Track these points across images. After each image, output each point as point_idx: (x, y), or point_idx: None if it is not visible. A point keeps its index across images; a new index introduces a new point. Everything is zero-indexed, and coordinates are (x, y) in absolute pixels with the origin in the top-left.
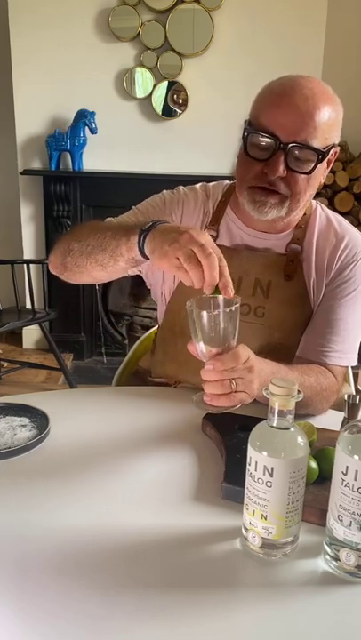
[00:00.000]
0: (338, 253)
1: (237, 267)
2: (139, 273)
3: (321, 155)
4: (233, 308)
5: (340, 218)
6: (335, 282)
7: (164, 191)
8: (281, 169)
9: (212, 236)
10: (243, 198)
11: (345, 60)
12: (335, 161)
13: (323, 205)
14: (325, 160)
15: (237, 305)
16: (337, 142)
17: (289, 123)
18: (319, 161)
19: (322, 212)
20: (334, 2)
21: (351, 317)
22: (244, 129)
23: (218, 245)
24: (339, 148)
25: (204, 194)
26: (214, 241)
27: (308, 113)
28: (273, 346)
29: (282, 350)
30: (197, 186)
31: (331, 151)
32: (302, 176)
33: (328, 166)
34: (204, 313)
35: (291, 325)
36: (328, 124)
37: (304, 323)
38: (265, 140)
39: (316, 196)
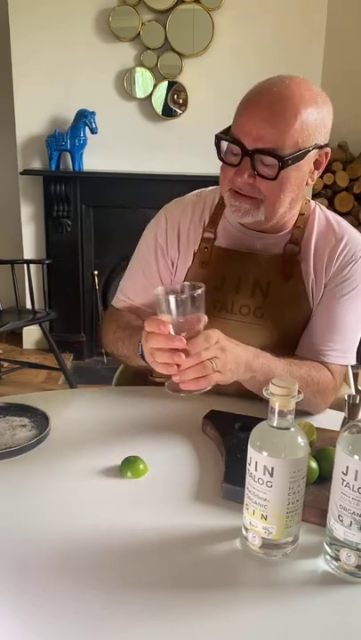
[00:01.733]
0: (337, 253)
1: (236, 268)
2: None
3: (283, 162)
4: (199, 292)
5: (339, 218)
6: (334, 281)
7: (151, 225)
8: (246, 175)
9: (210, 238)
10: (226, 202)
11: (345, 60)
12: (335, 161)
13: (322, 206)
14: (299, 164)
15: (202, 290)
16: (323, 143)
17: (253, 129)
18: (282, 167)
19: (321, 212)
20: (334, 2)
21: (350, 316)
22: (216, 135)
23: (216, 247)
24: (329, 151)
25: (196, 202)
26: (212, 242)
27: (273, 119)
28: (273, 346)
29: (282, 351)
30: (190, 195)
31: (309, 154)
32: (270, 181)
33: (317, 168)
34: (172, 297)
35: (290, 326)
36: (298, 129)
37: (303, 323)
38: (232, 147)
39: (317, 196)
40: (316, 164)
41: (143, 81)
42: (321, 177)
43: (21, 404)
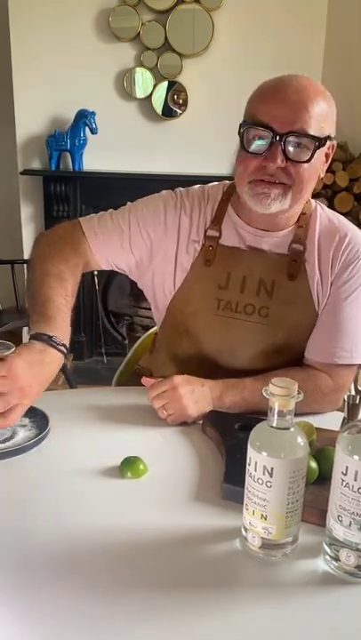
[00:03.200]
0: (340, 252)
1: (241, 266)
2: (124, 272)
3: (318, 141)
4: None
5: (341, 217)
6: (338, 281)
7: (165, 195)
8: (280, 159)
9: (215, 236)
10: (244, 194)
11: (345, 61)
12: (335, 161)
13: (322, 205)
14: (323, 149)
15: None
16: (333, 136)
17: (283, 113)
18: (317, 148)
19: (322, 211)
20: (334, 2)
21: (357, 317)
22: (240, 125)
23: (221, 245)
24: (335, 143)
25: (201, 196)
26: (217, 241)
27: (301, 103)
28: (278, 345)
29: (287, 350)
30: (195, 188)
31: (327, 143)
32: (302, 165)
33: (326, 160)
34: None
35: (295, 325)
36: (322, 114)
37: (308, 322)
38: (261, 134)
39: (317, 196)
40: (326, 156)
41: (143, 81)
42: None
43: None
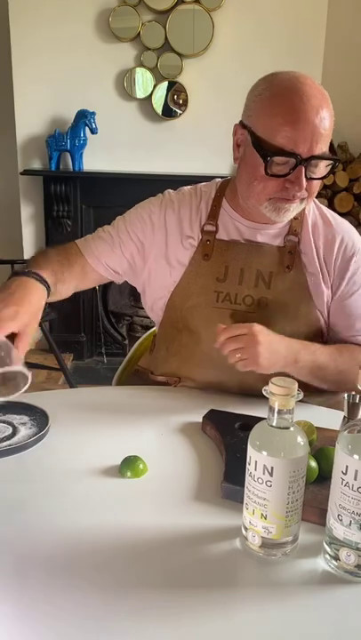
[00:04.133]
0: (335, 250)
1: (238, 259)
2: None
3: (336, 159)
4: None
5: (332, 212)
6: (341, 282)
7: (151, 198)
8: (304, 183)
9: (211, 231)
10: (263, 208)
11: (345, 61)
12: None
13: (315, 199)
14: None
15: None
16: None
17: (307, 139)
18: (336, 166)
19: (315, 205)
20: (334, 2)
21: None
22: (262, 152)
23: (218, 239)
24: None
25: (192, 193)
26: (214, 235)
27: (320, 125)
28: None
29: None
30: (186, 188)
31: None
32: (318, 180)
33: None
34: None
35: (294, 314)
36: (332, 126)
37: (306, 312)
38: (286, 160)
39: (317, 196)
40: None
41: (143, 81)
42: None
43: (21, 403)
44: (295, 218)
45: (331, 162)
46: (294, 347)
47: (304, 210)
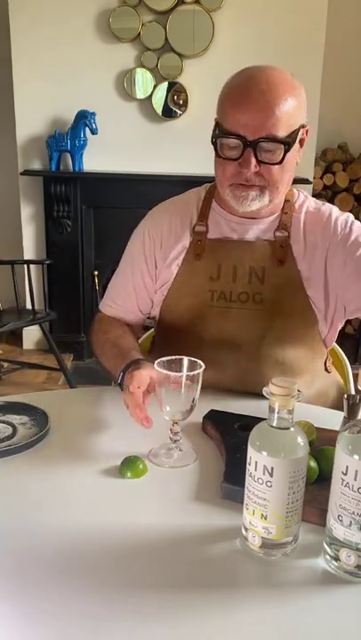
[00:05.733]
0: (331, 229)
1: (231, 257)
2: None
3: (287, 144)
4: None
5: (317, 200)
6: (348, 246)
7: (138, 227)
8: (253, 165)
9: (202, 231)
10: (226, 195)
11: (345, 61)
12: (335, 162)
13: (306, 193)
14: (296, 144)
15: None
16: (305, 122)
17: (251, 121)
18: (288, 149)
19: (305, 198)
20: (334, 2)
21: None
22: (213, 134)
23: (209, 239)
24: (308, 125)
25: (182, 200)
26: (205, 235)
27: (268, 107)
28: (277, 330)
29: (285, 333)
30: (174, 197)
31: (299, 134)
32: (275, 166)
33: (301, 145)
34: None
35: (289, 308)
36: (290, 112)
37: (301, 305)
38: (233, 142)
39: (317, 196)
40: (301, 142)
41: (143, 81)
42: (321, 177)
43: (21, 403)
44: (285, 212)
45: (284, 147)
46: None
47: (294, 204)
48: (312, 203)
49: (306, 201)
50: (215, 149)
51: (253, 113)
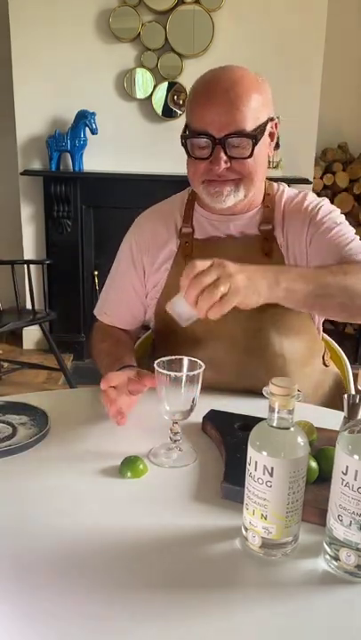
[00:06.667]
0: (302, 209)
1: (218, 254)
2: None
3: (255, 137)
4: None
5: (300, 191)
6: (316, 227)
7: (126, 237)
8: (223, 162)
9: (188, 232)
10: (201, 193)
11: (345, 61)
12: (335, 162)
13: (285, 185)
14: (263, 137)
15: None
16: (272, 115)
17: (218, 118)
18: (255, 142)
19: (283, 189)
20: (334, 2)
21: (348, 229)
22: (181, 136)
23: (196, 239)
24: (277, 119)
25: (165, 206)
26: (191, 236)
27: (232, 104)
28: (270, 323)
29: (278, 327)
30: (157, 204)
31: (267, 127)
32: (246, 160)
33: (272, 139)
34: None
35: None
36: (254, 106)
37: None
38: (201, 141)
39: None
40: (271, 136)
41: (143, 81)
42: (321, 177)
43: (21, 403)
44: (267, 206)
45: (252, 141)
46: (267, 267)
47: (274, 197)
48: (290, 193)
49: (284, 192)
50: (186, 150)
51: (219, 110)
